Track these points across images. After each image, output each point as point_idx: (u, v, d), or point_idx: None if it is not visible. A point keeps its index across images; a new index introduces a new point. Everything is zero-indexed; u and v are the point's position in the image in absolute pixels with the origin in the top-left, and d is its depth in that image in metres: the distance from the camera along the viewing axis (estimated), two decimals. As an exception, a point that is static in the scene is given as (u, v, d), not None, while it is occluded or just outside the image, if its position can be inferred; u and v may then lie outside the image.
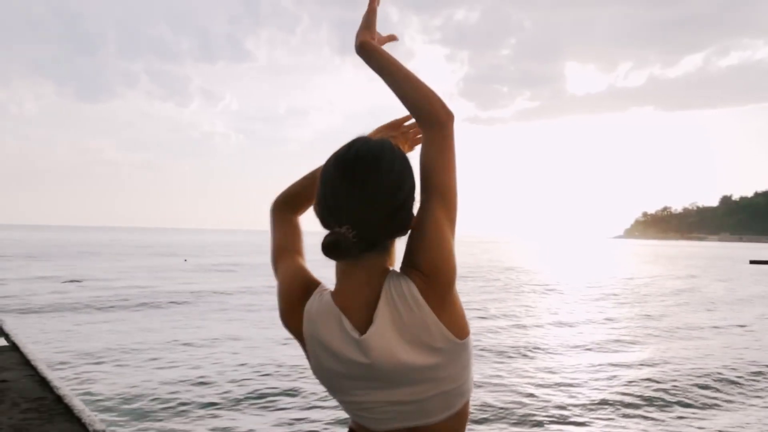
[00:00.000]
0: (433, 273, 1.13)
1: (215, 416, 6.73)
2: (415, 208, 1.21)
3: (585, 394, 7.85)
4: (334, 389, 1.22)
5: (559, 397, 7.72)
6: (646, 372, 9.07)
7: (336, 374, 1.18)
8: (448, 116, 1.22)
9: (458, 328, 1.16)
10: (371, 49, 1.28)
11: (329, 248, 1.11)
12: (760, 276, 33.66)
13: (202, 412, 6.86)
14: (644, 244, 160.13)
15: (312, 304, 1.19)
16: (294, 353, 10.09)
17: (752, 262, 50.58)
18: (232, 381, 8.16)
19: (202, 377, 8.29)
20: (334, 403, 7.23)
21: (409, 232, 1.18)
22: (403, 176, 1.18)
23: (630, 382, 8.44)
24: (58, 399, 5.30)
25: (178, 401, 7.16)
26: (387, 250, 1.21)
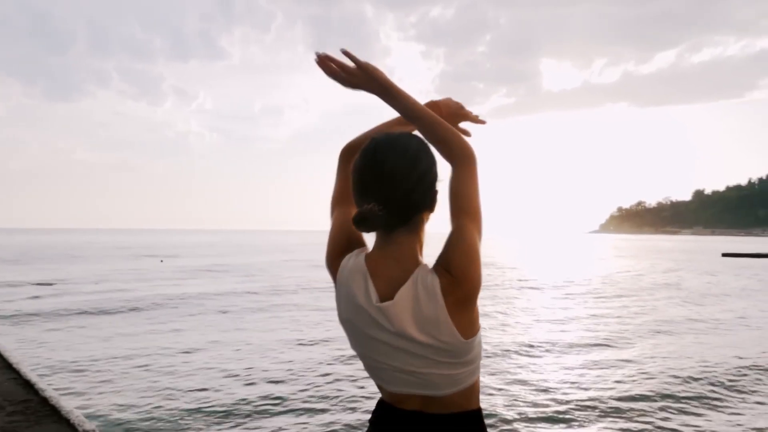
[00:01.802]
0: (460, 277, 1.27)
1: (206, 425, 6.52)
2: (440, 185, 1.39)
3: (572, 394, 7.68)
4: (352, 339, 1.40)
5: (544, 396, 7.59)
6: (635, 369, 8.91)
7: (354, 326, 1.35)
8: (474, 153, 1.39)
9: (467, 329, 1.29)
10: (398, 95, 1.39)
11: (358, 221, 1.28)
12: (737, 269, 34.17)
13: (190, 420, 6.63)
14: (620, 239, 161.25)
15: (349, 259, 1.38)
16: (279, 358, 10.00)
17: (724, 255, 51.45)
18: (218, 389, 7.86)
19: (185, 384, 8.03)
20: (327, 409, 7.08)
21: (448, 237, 1.31)
22: (418, 156, 1.35)
23: (619, 381, 8.27)
24: (44, 401, 5.27)
25: (167, 410, 6.92)
26: (416, 229, 1.37)
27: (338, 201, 1.52)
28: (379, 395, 1.46)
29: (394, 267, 1.32)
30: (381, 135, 1.39)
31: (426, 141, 1.40)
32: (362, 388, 7.83)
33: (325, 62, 1.40)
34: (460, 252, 1.28)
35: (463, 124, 1.65)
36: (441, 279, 1.27)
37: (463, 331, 1.28)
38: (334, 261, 1.42)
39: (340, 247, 1.42)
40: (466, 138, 1.45)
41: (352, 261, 1.37)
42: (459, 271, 1.26)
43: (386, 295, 1.30)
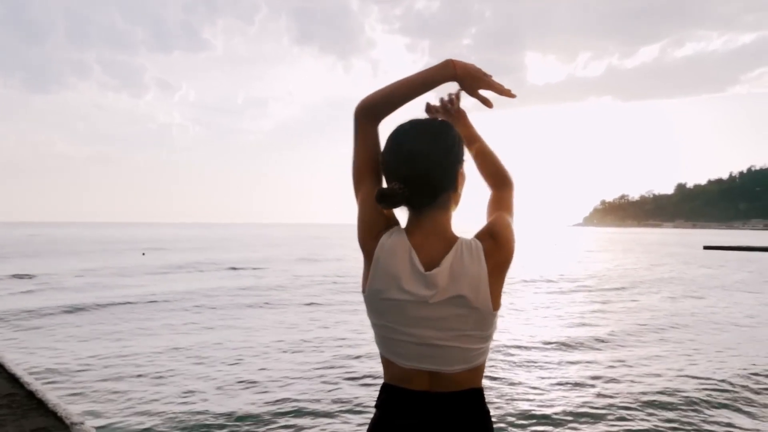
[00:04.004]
0: (502, 241, 1.41)
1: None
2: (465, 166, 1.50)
3: (570, 395, 7.42)
4: (378, 310, 1.43)
5: (539, 397, 7.35)
6: (634, 369, 8.63)
7: (385, 297, 1.40)
8: (513, 180, 1.65)
9: (496, 299, 1.40)
10: (470, 125, 1.68)
11: (379, 199, 1.36)
12: (721, 261, 34.69)
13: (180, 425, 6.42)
14: (604, 232, 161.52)
15: (390, 236, 1.42)
16: (273, 359, 9.80)
17: (706, 247, 52.08)
18: (209, 391, 7.62)
19: (173, 388, 7.80)
20: (327, 412, 6.88)
21: (489, 219, 1.50)
22: (438, 138, 1.42)
23: (618, 381, 8.00)
24: (31, 394, 5.21)
25: (155, 416, 6.66)
26: (444, 207, 1.44)
27: (364, 173, 1.48)
28: (381, 382, 1.49)
29: (435, 241, 1.40)
30: (406, 121, 1.47)
31: (450, 125, 1.50)
32: (361, 390, 7.73)
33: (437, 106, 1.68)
34: (502, 222, 1.45)
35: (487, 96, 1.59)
36: (484, 243, 1.40)
37: (493, 300, 1.38)
38: (370, 241, 1.43)
39: (378, 227, 1.44)
40: (486, 108, 1.57)
41: (394, 237, 1.41)
42: (501, 236, 1.41)
43: (430, 265, 1.38)
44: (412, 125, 1.45)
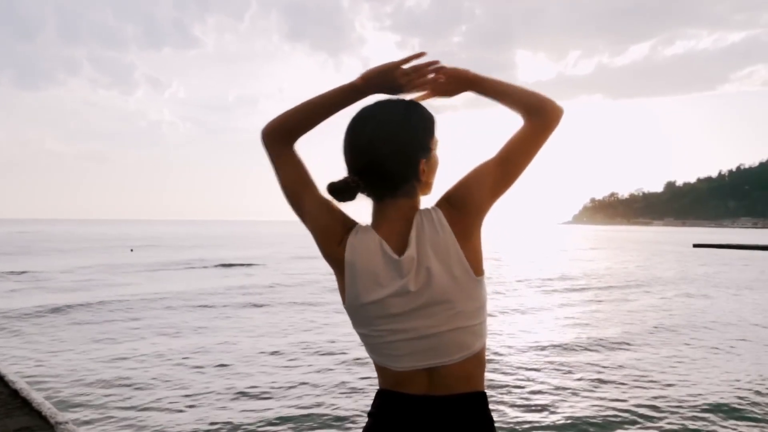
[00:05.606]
0: (459, 203, 1.31)
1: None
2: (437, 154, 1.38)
3: (566, 402, 7.19)
4: (363, 317, 1.34)
5: (533, 405, 7.09)
6: (639, 374, 8.34)
7: (368, 301, 1.31)
8: (555, 114, 1.41)
9: (475, 263, 1.31)
10: (477, 76, 1.43)
11: (331, 191, 1.29)
12: (718, 260, 34.90)
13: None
14: (594, 230, 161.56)
15: (356, 236, 1.33)
16: (270, 364, 9.73)
17: (695, 245, 52.36)
18: (202, 398, 7.55)
19: (164, 393, 7.67)
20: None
21: (459, 179, 1.35)
22: (398, 127, 1.32)
23: (616, 388, 7.71)
24: (15, 393, 5.16)
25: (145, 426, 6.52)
26: (408, 194, 1.34)
27: (298, 192, 1.38)
28: (376, 389, 1.40)
29: (400, 225, 1.32)
30: (369, 104, 1.37)
31: (416, 107, 1.37)
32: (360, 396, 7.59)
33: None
34: (460, 183, 1.33)
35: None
36: (442, 209, 1.31)
37: (472, 265, 1.30)
38: (335, 248, 1.34)
39: (338, 230, 1.34)
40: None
41: (361, 235, 1.32)
42: (457, 199, 1.31)
43: (402, 250, 1.29)
44: (372, 111, 1.35)
